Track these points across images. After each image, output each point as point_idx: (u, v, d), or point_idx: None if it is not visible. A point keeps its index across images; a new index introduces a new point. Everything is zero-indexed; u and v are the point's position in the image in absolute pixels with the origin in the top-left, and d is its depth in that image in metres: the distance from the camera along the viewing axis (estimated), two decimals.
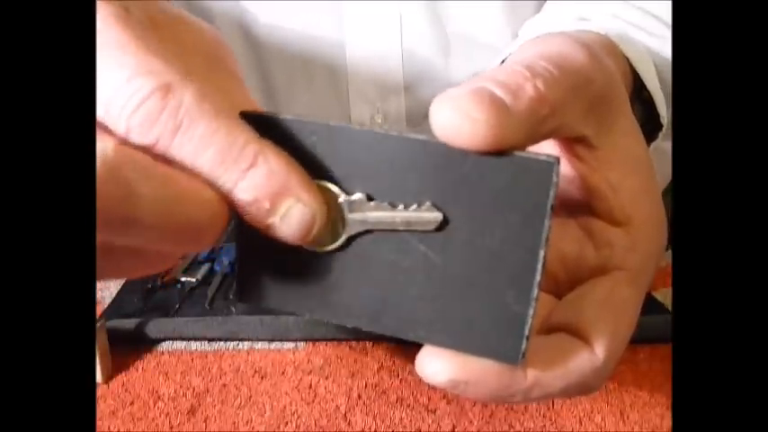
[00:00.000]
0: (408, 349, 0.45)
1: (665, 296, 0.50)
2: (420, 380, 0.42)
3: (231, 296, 0.50)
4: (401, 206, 0.22)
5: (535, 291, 0.22)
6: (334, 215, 0.23)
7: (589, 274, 0.26)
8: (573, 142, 0.25)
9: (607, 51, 0.33)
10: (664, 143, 0.41)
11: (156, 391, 0.41)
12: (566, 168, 0.26)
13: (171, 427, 0.38)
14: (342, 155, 0.22)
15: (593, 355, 0.24)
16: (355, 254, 0.23)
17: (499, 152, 0.21)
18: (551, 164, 0.21)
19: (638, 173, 0.26)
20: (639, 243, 0.26)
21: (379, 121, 0.61)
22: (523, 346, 0.22)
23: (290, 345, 0.45)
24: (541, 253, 0.21)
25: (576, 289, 0.26)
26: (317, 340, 0.45)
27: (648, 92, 0.37)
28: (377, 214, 0.23)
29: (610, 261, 0.26)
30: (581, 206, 0.26)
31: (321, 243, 0.23)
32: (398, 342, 0.45)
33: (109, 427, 0.38)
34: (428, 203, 0.22)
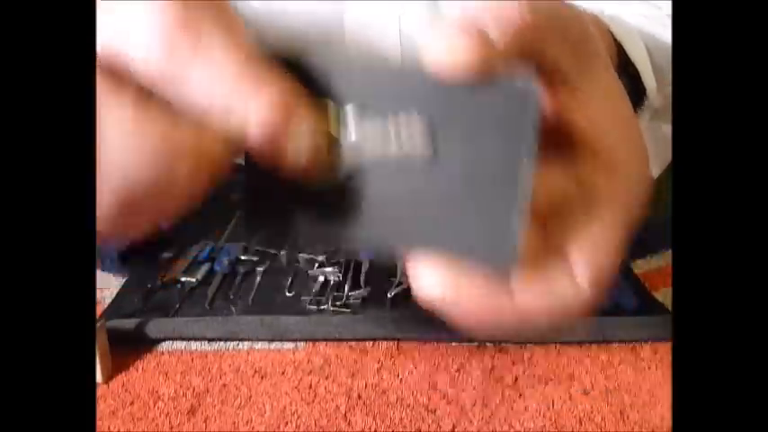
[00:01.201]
0: (408, 349, 0.45)
1: (665, 296, 0.50)
2: (420, 380, 0.42)
3: (231, 296, 0.50)
4: (392, 131, 0.24)
5: (524, 204, 0.23)
6: (334, 140, 0.24)
7: (574, 209, 0.27)
8: (557, 84, 0.26)
9: (591, 22, 0.34)
10: (663, 126, 0.42)
11: (156, 391, 0.41)
12: (551, 112, 0.27)
13: (171, 427, 0.38)
14: (340, 79, 0.24)
15: (575, 281, 0.26)
16: (354, 184, 0.25)
17: (486, 80, 0.23)
18: (532, 86, 0.23)
19: (617, 111, 0.27)
20: (621, 177, 0.27)
21: None
22: (513, 258, 0.24)
23: (290, 345, 0.45)
24: (530, 168, 0.23)
25: (562, 223, 0.27)
26: (317, 340, 0.45)
27: (634, 66, 0.37)
28: (372, 146, 0.24)
29: (592, 195, 0.27)
30: (565, 146, 0.27)
31: (322, 178, 0.24)
32: (398, 342, 0.45)
33: (109, 427, 0.38)
34: (418, 124, 0.24)
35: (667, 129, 0.45)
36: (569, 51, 0.26)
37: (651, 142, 0.44)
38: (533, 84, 0.23)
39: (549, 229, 0.27)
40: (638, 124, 0.28)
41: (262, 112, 0.21)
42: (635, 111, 0.37)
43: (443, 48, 0.22)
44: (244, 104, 0.21)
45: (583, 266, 0.26)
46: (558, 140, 0.27)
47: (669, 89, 0.41)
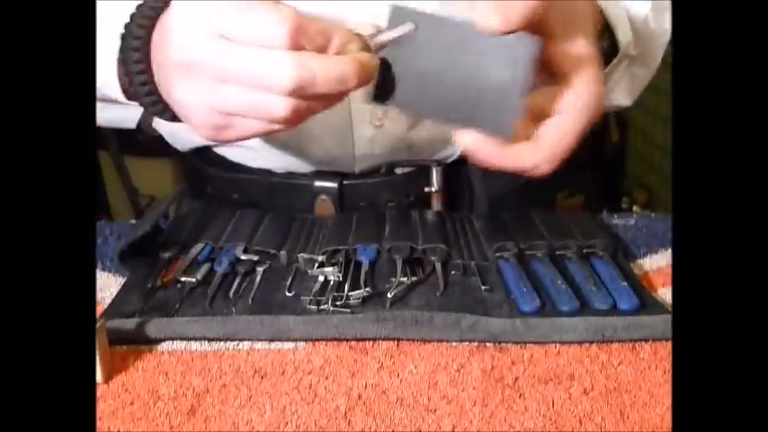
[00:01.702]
0: (408, 349, 0.45)
1: (664, 296, 0.50)
2: (420, 380, 0.42)
3: (231, 296, 0.50)
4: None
5: (519, 101, 0.42)
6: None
7: (550, 114, 0.44)
8: (549, 38, 0.43)
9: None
10: (637, 69, 0.65)
11: (156, 391, 0.41)
12: (544, 55, 0.43)
13: (171, 427, 0.38)
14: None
15: (539, 152, 0.44)
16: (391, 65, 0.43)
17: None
18: (531, 36, 0.41)
19: (583, 60, 0.44)
20: (578, 100, 0.44)
21: (377, 124, 0.61)
22: (510, 130, 0.42)
23: (290, 345, 0.45)
24: (525, 80, 0.41)
25: (542, 120, 0.44)
26: (317, 340, 0.45)
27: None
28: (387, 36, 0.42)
29: (561, 108, 0.44)
30: (552, 78, 0.44)
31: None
32: (398, 342, 0.45)
33: (109, 427, 0.38)
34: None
35: (639, 70, 0.66)
36: (560, 21, 0.43)
37: (628, 81, 0.66)
38: (532, 36, 0.41)
39: (534, 122, 0.44)
40: (596, 71, 0.44)
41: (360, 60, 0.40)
42: (612, 58, 0.59)
43: (490, 22, 0.40)
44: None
45: (545, 146, 0.44)
46: (549, 74, 0.44)
47: (642, 44, 0.61)
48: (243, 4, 0.40)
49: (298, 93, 0.39)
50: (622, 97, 0.67)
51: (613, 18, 0.56)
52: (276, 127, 0.43)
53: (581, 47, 0.44)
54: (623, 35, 0.57)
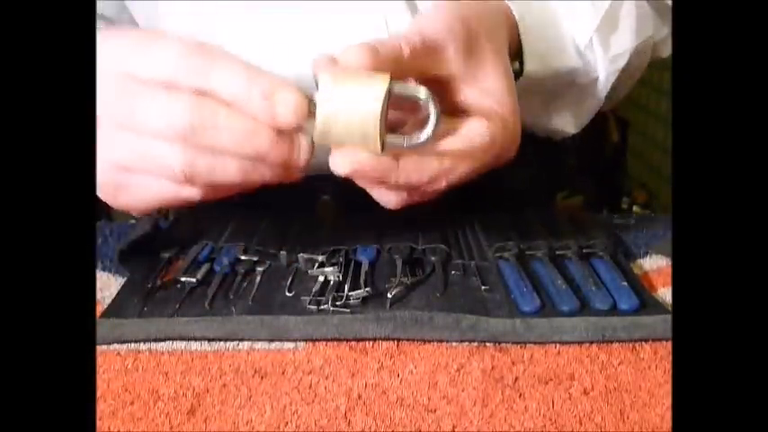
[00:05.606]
0: (408, 349, 0.45)
1: (665, 296, 0.50)
2: (420, 380, 0.42)
3: (231, 296, 0.50)
4: None
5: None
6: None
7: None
8: (448, 79, 0.42)
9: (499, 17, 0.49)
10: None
11: (156, 391, 0.41)
12: (452, 98, 0.44)
13: (171, 427, 0.38)
14: None
15: (481, 120, 0.42)
16: None
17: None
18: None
19: (496, 91, 0.43)
20: (493, 123, 0.43)
21: None
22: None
23: (290, 345, 0.45)
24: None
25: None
26: (317, 340, 0.45)
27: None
28: None
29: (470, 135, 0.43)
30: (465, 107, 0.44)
31: None
32: (398, 342, 0.45)
33: (109, 427, 0.38)
34: None
35: (586, 100, 0.61)
36: (459, 59, 0.41)
37: (573, 110, 0.62)
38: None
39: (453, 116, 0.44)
40: (507, 112, 0.43)
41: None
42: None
43: (349, 55, 0.38)
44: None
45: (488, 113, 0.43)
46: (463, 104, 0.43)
47: (585, 72, 0.58)
48: (152, 36, 0.35)
49: (192, 141, 0.35)
50: (566, 126, 0.63)
51: (528, 45, 0.52)
52: (184, 191, 0.38)
53: (491, 75, 0.42)
54: (533, 64, 0.52)
